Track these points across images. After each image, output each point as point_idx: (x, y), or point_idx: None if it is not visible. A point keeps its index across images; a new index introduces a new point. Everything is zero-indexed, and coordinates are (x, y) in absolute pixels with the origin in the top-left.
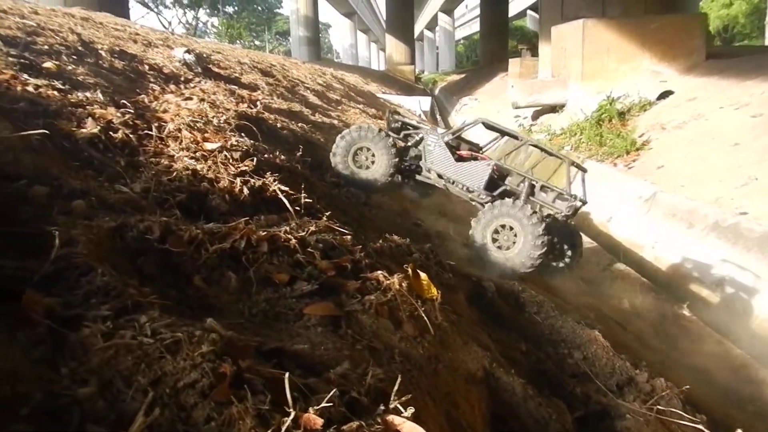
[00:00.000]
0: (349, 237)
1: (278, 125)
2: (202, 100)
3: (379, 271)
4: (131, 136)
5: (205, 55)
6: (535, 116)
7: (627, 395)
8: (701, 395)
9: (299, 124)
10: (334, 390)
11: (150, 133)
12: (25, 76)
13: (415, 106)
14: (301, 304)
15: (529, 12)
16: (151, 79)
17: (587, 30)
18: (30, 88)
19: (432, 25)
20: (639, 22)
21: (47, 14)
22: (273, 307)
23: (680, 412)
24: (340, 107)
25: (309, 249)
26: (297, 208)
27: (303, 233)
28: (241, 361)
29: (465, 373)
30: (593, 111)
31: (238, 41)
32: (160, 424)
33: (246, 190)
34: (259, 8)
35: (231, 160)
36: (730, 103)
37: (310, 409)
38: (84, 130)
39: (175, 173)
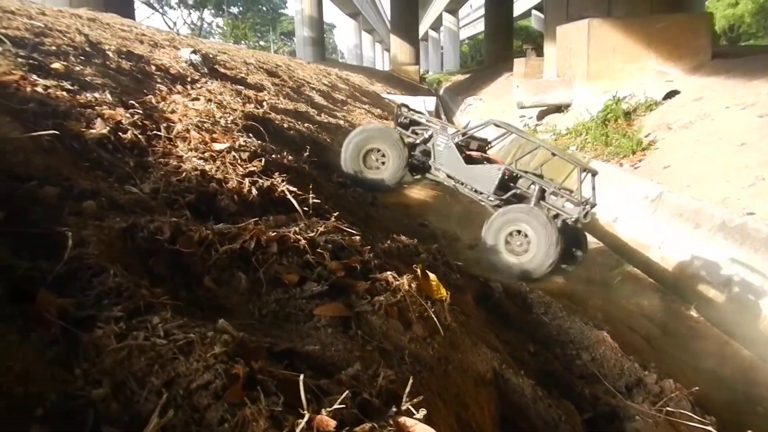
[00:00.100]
0: (357, 237)
1: (285, 125)
2: (209, 100)
3: (389, 272)
4: (140, 136)
5: (211, 56)
6: (541, 116)
7: (636, 397)
8: (710, 396)
9: (305, 125)
10: (347, 392)
11: (158, 133)
12: (34, 76)
13: (420, 106)
14: (311, 305)
15: (533, 12)
16: (158, 80)
17: (593, 30)
18: (39, 89)
19: (436, 25)
20: (645, 21)
21: (54, 15)
22: (283, 308)
23: (690, 414)
24: (345, 107)
25: (318, 250)
26: (305, 208)
27: (312, 234)
28: (253, 363)
29: (474, 375)
30: (599, 111)
31: (242, 41)
32: (174, 426)
33: (254, 191)
34: (264, 9)
35: (239, 161)
36: (736, 102)
37: (323, 411)
38: (93, 131)
39: (184, 174)
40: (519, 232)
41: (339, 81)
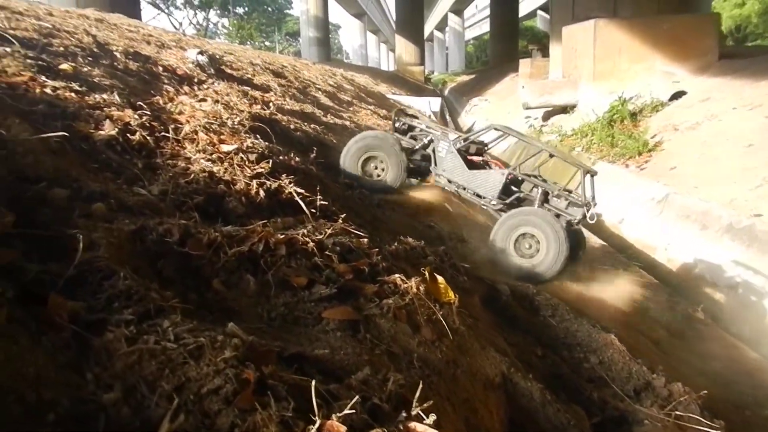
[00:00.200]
0: (365, 240)
1: (291, 127)
2: (216, 101)
3: (397, 275)
4: (148, 138)
5: (217, 56)
6: (546, 117)
7: (644, 400)
8: (718, 399)
9: (311, 126)
10: (357, 397)
11: (167, 135)
12: (43, 78)
13: (425, 106)
14: (319, 308)
15: (539, 12)
16: (165, 81)
17: (599, 30)
18: (48, 90)
19: (442, 25)
20: (651, 22)
21: (62, 16)
22: (292, 311)
23: (699, 418)
24: (351, 108)
25: (327, 252)
26: (313, 210)
27: (320, 236)
28: (263, 367)
29: (483, 379)
30: (605, 112)
31: (248, 42)
32: (185, 431)
33: (262, 192)
34: (269, 9)
35: (247, 162)
36: (743, 103)
37: (333, 416)
38: (102, 132)
39: (192, 175)
40: (528, 234)
41: (344, 81)
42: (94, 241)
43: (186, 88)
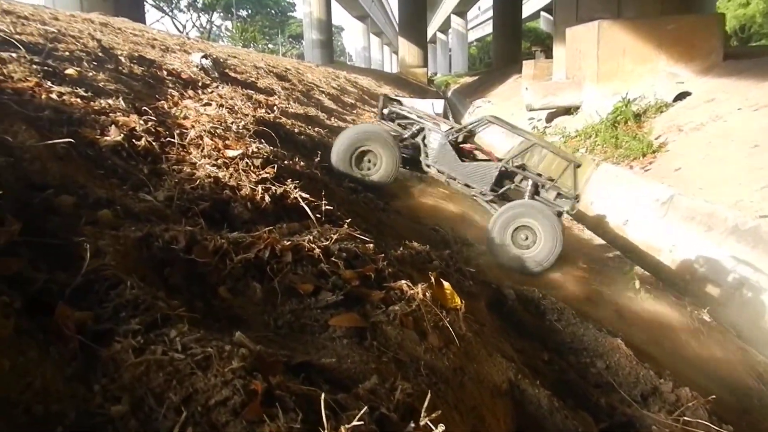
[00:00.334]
0: (371, 245)
1: (295, 130)
2: (221, 105)
3: (403, 281)
4: (154, 143)
5: (221, 60)
6: (550, 118)
7: (652, 406)
8: (725, 403)
9: (315, 129)
10: (365, 408)
11: (172, 140)
12: (49, 83)
13: (428, 108)
14: (326, 315)
15: (542, 13)
16: (170, 85)
17: (602, 31)
18: (54, 96)
19: (445, 27)
20: (655, 23)
21: (67, 20)
22: (298, 319)
23: (707, 423)
24: (354, 111)
25: (333, 258)
26: (318, 215)
27: (326, 242)
28: (271, 377)
29: (490, 386)
30: (608, 113)
31: (251, 45)
32: None
33: (267, 198)
34: (273, 12)
35: (252, 167)
36: (749, 104)
37: (342, 428)
38: (108, 138)
39: (197, 181)
40: (525, 227)
41: (348, 84)
42: (101, 249)
43: (190, 92)
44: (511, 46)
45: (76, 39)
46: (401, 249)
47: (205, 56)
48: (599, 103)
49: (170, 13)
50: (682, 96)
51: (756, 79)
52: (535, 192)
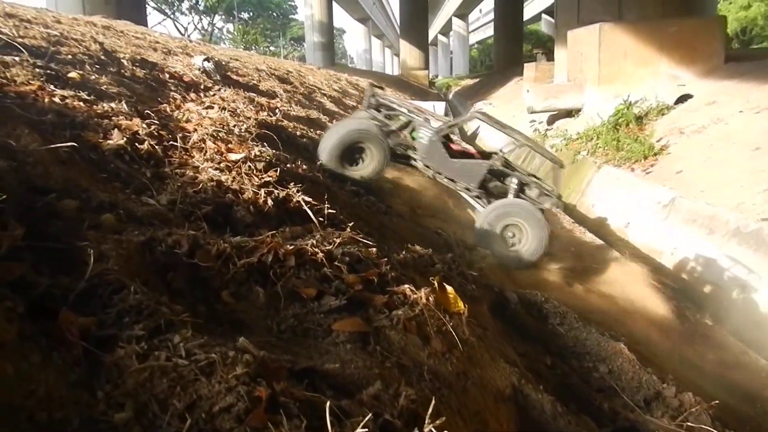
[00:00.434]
0: (374, 249)
1: (297, 133)
2: (223, 108)
3: (406, 285)
4: (156, 147)
5: (223, 63)
6: (551, 121)
7: (655, 411)
8: (728, 408)
9: (318, 132)
10: (369, 414)
11: (174, 143)
12: (52, 87)
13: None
14: (329, 320)
15: (544, 16)
16: (172, 88)
17: (604, 34)
18: (57, 99)
19: (446, 29)
20: (656, 25)
21: (70, 23)
22: (301, 323)
23: (710, 429)
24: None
25: (336, 263)
26: (320, 218)
27: (329, 246)
28: (275, 384)
29: (494, 391)
30: (610, 115)
31: (253, 47)
32: None
33: (270, 202)
34: (274, 14)
35: (255, 171)
36: (750, 107)
37: None
38: (110, 142)
39: (200, 185)
40: (512, 224)
41: (349, 86)
42: (104, 253)
43: (193, 95)
44: (512, 49)
45: (79, 42)
46: (404, 253)
47: (207, 59)
48: (601, 105)
49: (172, 16)
50: (683, 99)
51: (757, 82)
52: (521, 190)
